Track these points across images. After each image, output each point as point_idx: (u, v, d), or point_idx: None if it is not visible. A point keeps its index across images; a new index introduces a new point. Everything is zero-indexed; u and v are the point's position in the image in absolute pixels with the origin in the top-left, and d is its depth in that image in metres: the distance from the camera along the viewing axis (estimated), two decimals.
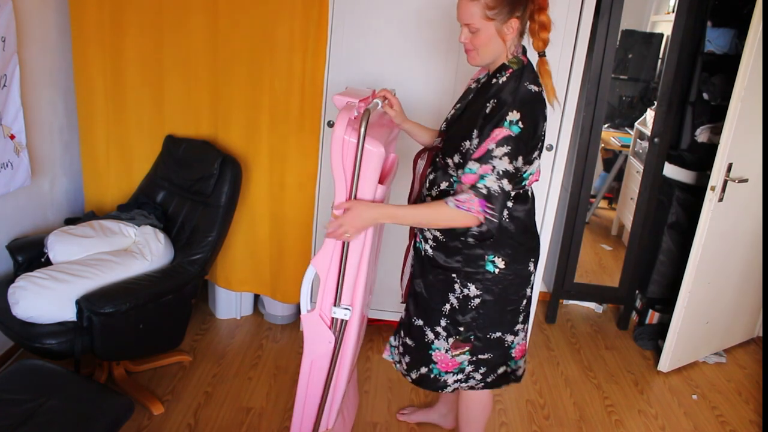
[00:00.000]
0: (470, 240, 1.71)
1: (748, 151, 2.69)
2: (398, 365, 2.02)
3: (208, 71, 2.62)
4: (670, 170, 3.26)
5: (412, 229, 1.92)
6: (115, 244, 2.38)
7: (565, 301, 3.60)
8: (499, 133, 1.53)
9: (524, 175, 1.68)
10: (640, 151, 3.42)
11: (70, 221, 2.58)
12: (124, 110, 2.71)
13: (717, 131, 2.94)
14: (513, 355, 1.89)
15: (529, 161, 1.63)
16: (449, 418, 2.39)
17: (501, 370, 1.91)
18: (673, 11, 3.07)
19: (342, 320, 1.76)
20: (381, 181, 1.66)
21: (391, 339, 2.08)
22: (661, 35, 3.41)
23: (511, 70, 1.62)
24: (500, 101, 1.56)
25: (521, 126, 1.53)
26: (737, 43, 3.14)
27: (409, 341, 1.93)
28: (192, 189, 2.59)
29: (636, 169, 3.43)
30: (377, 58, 2.60)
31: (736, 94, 2.51)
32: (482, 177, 1.54)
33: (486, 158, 1.54)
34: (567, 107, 2.64)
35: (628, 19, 3.08)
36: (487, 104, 1.59)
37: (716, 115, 3.13)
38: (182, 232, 2.57)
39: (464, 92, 1.82)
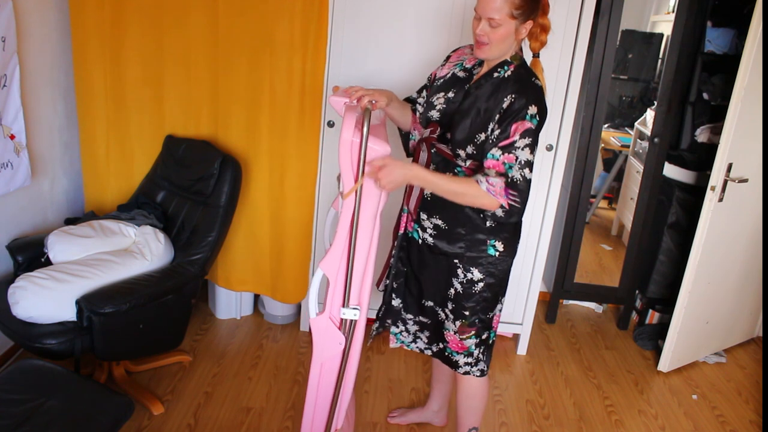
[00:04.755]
0: (489, 223, 1.77)
1: (748, 151, 2.69)
2: (413, 344, 2.08)
3: (208, 71, 2.62)
4: (670, 170, 3.26)
5: (396, 227, 1.98)
6: (115, 244, 2.38)
7: (565, 301, 3.60)
8: (522, 125, 1.63)
9: None
10: (640, 151, 3.42)
11: (70, 221, 2.58)
12: (124, 110, 2.71)
13: (717, 131, 2.94)
14: (494, 326, 1.97)
15: None
16: (441, 415, 2.40)
17: (491, 342, 1.98)
18: (673, 11, 3.07)
19: (351, 321, 1.77)
20: None
21: (393, 328, 2.10)
22: (661, 35, 3.41)
23: (513, 66, 1.71)
24: (518, 96, 1.64)
25: (538, 119, 1.65)
26: (737, 43, 3.14)
27: (423, 318, 2.00)
28: (192, 189, 2.59)
29: (636, 169, 3.43)
30: (378, 58, 2.60)
31: (736, 94, 2.51)
32: (509, 166, 1.63)
33: (510, 148, 1.63)
34: (567, 107, 2.64)
35: (628, 19, 3.08)
36: (504, 99, 1.66)
37: (716, 115, 3.13)
38: (182, 232, 2.57)
39: (450, 78, 1.83)
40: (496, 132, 1.65)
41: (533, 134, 1.64)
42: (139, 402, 2.33)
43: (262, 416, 2.39)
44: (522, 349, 3.02)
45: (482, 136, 1.69)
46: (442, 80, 1.85)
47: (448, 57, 1.93)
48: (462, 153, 1.73)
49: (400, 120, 1.96)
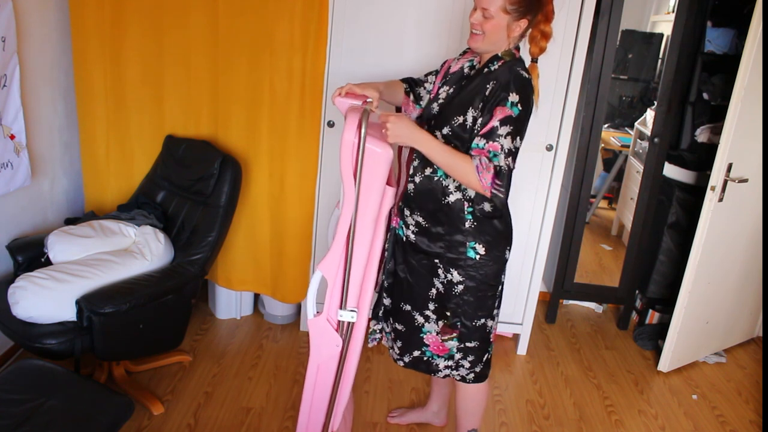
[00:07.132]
0: (468, 225, 1.76)
1: (748, 151, 2.69)
2: (391, 350, 2.05)
3: (208, 71, 2.62)
4: (670, 170, 3.26)
5: (388, 223, 1.95)
6: (115, 244, 2.38)
7: (565, 301, 3.60)
8: (502, 112, 1.62)
9: None
10: (640, 151, 3.42)
11: (70, 221, 2.58)
12: (124, 110, 2.71)
13: (717, 131, 2.94)
14: (491, 339, 1.95)
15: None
16: (441, 415, 2.40)
17: (485, 357, 1.95)
18: (673, 11, 3.07)
19: (349, 323, 1.77)
20: (388, 183, 1.67)
21: (373, 324, 2.07)
22: (661, 35, 3.41)
23: (503, 61, 1.71)
24: (499, 83, 1.65)
25: (520, 108, 1.63)
26: (737, 43, 3.14)
27: (398, 326, 1.96)
28: (192, 189, 2.59)
29: (636, 169, 3.43)
30: (378, 58, 2.60)
31: (736, 94, 2.51)
32: (493, 155, 1.61)
33: (492, 136, 1.62)
34: (567, 107, 2.64)
35: (628, 19, 3.08)
36: (487, 86, 1.67)
37: (716, 115, 3.12)
38: (182, 232, 2.57)
39: (458, 73, 1.83)
40: (479, 120, 1.66)
41: (515, 123, 1.61)
42: (139, 402, 2.33)
43: (262, 416, 2.39)
44: (522, 349, 3.02)
45: (459, 119, 1.69)
46: (451, 75, 1.85)
47: (465, 51, 1.91)
48: (439, 135, 1.73)
49: (393, 101, 1.96)
